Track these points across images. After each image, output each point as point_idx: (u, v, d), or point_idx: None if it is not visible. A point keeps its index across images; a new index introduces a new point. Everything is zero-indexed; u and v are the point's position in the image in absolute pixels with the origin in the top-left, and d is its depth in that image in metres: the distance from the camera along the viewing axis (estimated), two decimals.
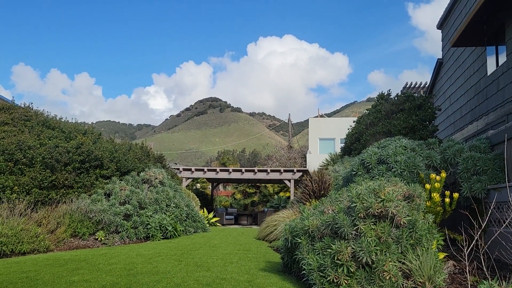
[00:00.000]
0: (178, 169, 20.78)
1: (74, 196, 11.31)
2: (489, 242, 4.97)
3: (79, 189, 11.66)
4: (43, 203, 10.80)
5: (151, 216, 11.91)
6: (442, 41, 17.04)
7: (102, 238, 10.59)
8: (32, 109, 13.69)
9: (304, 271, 5.30)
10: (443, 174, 6.41)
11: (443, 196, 6.41)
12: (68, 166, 11.45)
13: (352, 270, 4.91)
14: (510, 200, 5.14)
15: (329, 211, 5.95)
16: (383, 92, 17.24)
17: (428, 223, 5.37)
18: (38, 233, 8.96)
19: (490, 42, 12.17)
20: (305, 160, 30.70)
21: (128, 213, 11.64)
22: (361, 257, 4.87)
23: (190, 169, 21.10)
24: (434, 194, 6.04)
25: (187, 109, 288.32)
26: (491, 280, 4.10)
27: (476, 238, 4.28)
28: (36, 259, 7.62)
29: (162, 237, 11.72)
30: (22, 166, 10.82)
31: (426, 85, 20.71)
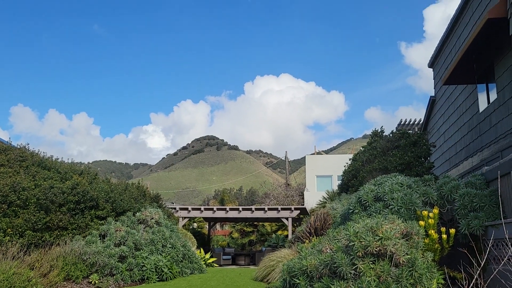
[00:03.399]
0: (175, 208, 20.57)
1: (68, 238, 11.13)
2: (489, 280, 4.91)
3: (74, 230, 11.50)
4: (36, 245, 10.61)
5: (146, 258, 11.69)
6: (434, 79, 17.42)
7: (96, 281, 10.34)
8: (28, 150, 13.68)
9: None
10: (436, 210, 6.40)
11: (440, 233, 6.36)
12: (63, 207, 11.34)
13: None
14: (507, 237, 5.11)
15: (327, 250, 5.88)
16: (377, 129, 17.42)
17: (428, 261, 5.31)
18: (31, 277, 8.75)
19: (481, 80, 12.45)
20: (303, 198, 30.54)
21: (123, 254, 11.42)
22: None
23: (186, 208, 20.89)
24: (431, 231, 6.00)
25: (184, 148, 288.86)
26: None
27: (475, 276, 4.22)
28: None
29: (157, 279, 11.45)
30: (16, 208, 10.70)
31: (421, 122, 20.97)
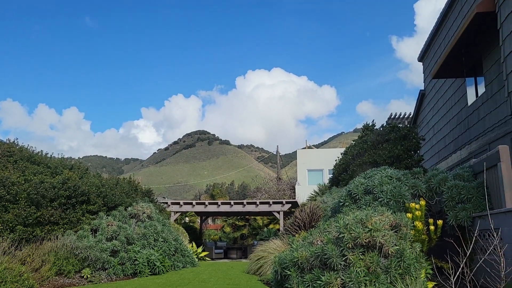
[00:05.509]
0: (167, 203, 20.56)
1: (60, 233, 11.10)
2: (475, 269, 5.02)
3: (65, 225, 11.46)
4: (28, 240, 10.57)
5: (138, 252, 11.71)
6: (423, 73, 17.57)
7: (88, 276, 10.35)
8: (17, 145, 13.56)
9: None
10: (423, 202, 6.51)
11: (427, 224, 6.48)
12: (54, 202, 11.29)
13: None
14: (493, 227, 5.22)
15: (318, 242, 5.96)
16: (368, 123, 17.54)
17: (416, 252, 5.41)
18: (22, 271, 8.72)
19: (469, 74, 12.60)
20: (294, 192, 30.66)
21: (115, 249, 11.43)
22: None
23: (178, 203, 20.89)
24: (417, 222, 6.11)
25: (175, 143, 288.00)
26: None
27: (461, 266, 4.32)
28: None
29: (150, 273, 11.49)
30: (6, 203, 10.64)
31: (411, 116, 21.15)
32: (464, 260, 4.42)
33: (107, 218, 12.44)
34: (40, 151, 13.98)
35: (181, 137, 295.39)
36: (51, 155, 14.30)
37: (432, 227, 6.38)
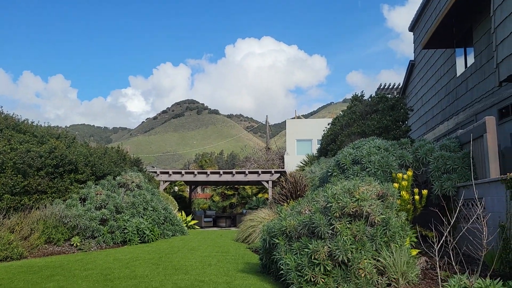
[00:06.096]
0: (156, 172, 20.58)
1: (48, 202, 11.08)
2: (458, 237, 5.16)
3: (53, 194, 11.43)
4: (16, 209, 10.55)
5: (128, 220, 11.79)
6: (414, 43, 17.47)
7: (78, 244, 10.42)
8: (2, 113, 13.30)
9: (282, 271, 5.37)
10: (410, 173, 6.61)
11: (413, 194, 6.60)
12: (41, 171, 11.21)
13: (328, 268, 5.01)
14: (477, 197, 5.34)
15: (306, 211, 6.04)
16: (357, 93, 17.54)
17: (401, 220, 5.53)
18: (11, 240, 8.75)
19: (459, 44, 12.56)
20: (283, 161, 30.88)
21: (105, 217, 11.48)
22: (337, 256, 4.98)
23: (167, 172, 20.93)
24: (403, 192, 6.21)
25: (164, 112, 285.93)
26: (460, 275, 4.27)
27: (445, 234, 4.44)
28: (9, 267, 7.45)
29: (139, 241, 11.61)
30: None
31: (400, 86, 21.17)
32: (448, 229, 4.54)
33: (96, 187, 12.43)
34: (26, 120, 13.74)
35: (169, 106, 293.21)
36: (37, 124, 14.08)
37: (417, 197, 6.50)
